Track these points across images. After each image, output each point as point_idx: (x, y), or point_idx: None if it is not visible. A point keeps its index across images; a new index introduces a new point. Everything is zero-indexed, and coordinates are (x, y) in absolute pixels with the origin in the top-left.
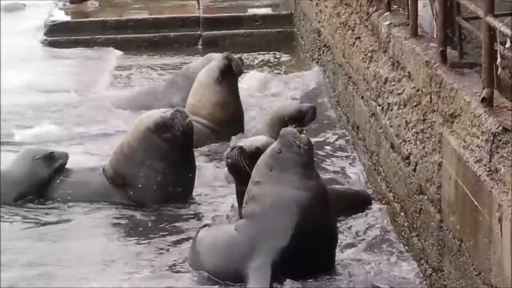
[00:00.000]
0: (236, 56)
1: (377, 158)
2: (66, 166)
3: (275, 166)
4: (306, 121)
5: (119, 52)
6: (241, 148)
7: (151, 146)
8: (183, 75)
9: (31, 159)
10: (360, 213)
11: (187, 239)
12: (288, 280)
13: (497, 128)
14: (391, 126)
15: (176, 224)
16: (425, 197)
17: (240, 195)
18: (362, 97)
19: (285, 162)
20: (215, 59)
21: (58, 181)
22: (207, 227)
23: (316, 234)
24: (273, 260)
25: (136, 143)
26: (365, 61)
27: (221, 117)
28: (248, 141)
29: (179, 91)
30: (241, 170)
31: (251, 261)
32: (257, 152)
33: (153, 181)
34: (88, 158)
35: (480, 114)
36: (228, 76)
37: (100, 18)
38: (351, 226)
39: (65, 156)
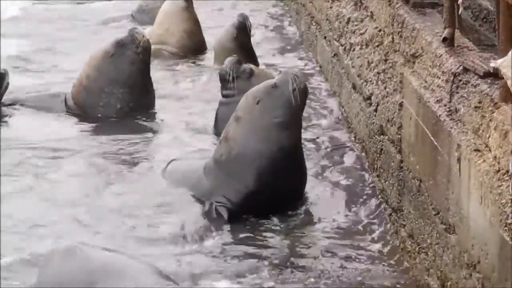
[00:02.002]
0: None
1: (339, 99)
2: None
3: (263, 100)
4: (249, 28)
5: None
6: (238, 61)
7: (111, 72)
8: (138, 11)
9: None
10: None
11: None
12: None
13: (458, 68)
14: (353, 66)
15: (141, 152)
16: (386, 137)
17: (219, 106)
18: (325, 37)
19: (274, 99)
20: None
21: (16, 106)
22: (177, 161)
23: (280, 190)
24: (233, 204)
25: (95, 72)
26: (328, 1)
27: (189, 44)
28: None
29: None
30: (225, 80)
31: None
32: (249, 72)
33: (113, 109)
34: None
35: (441, 54)
36: (192, 3)
37: None
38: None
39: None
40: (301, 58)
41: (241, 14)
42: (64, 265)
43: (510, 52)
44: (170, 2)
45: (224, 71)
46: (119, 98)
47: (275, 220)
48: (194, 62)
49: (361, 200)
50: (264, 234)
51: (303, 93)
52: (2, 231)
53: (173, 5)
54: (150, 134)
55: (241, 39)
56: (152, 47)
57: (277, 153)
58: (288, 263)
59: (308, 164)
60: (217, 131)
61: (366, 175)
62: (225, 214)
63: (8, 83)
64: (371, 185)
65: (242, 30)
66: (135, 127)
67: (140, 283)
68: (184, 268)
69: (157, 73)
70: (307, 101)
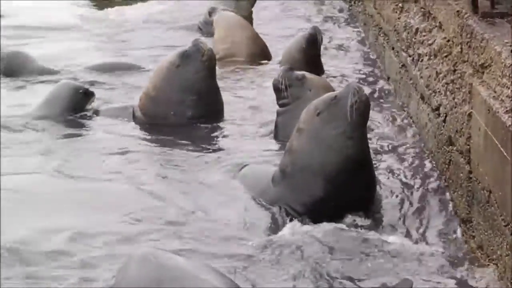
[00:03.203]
0: None
1: (407, 109)
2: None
3: (323, 112)
4: (318, 43)
5: None
6: (290, 68)
7: (178, 81)
8: (205, 22)
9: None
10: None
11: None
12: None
13: None
14: (421, 77)
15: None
16: (455, 148)
17: (277, 116)
18: (393, 48)
19: (335, 111)
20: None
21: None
22: (250, 166)
23: (347, 199)
24: (299, 215)
25: (162, 82)
26: (396, 12)
27: (256, 50)
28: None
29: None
30: (279, 89)
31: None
32: (302, 79)
33: (184, 117)
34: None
35: (511, 64)
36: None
37: None
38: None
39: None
40: (368, 69)
41: (313, 27)
42: (138, 273)
43: None
44: (223, 17)
45: (277, 80)
46: (189, 105)
47: (342, 226)
48: (261, 70)
49: (431, 211)
50: (327, 239)
51: (364, 106)
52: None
53: (229, 18)
54: (220, 140)
55: (310, 52)
56: (222, 61)
57: (341, 163)
58: (345, 268)
59: (378, 173)
60: (278, 140)
61: (435, 185)
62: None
63: (93, 100)
64: (440, 195)
65: (312, 43)
66: (205, 134)
67: None
68: (246, 272)
69: (226, 81)
70: (376, 110)
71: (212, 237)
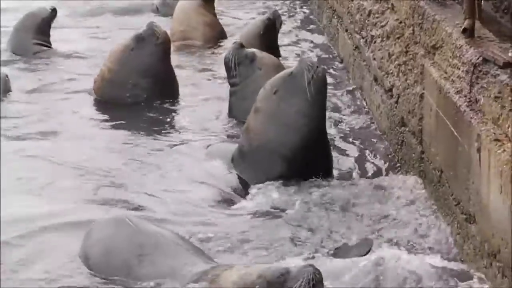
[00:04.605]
0: None
1: (360, 91)
2: None
3: (280, 90)
4: (277, 27)
5: None
6: (241, 44)
7: (132, 64)
8: (162, 4)
9: None
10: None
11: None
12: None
13: (478, 58)
14: (374, 58)
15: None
16: (407, 129)
17: (230, 96)
18: (346, 30)
19: (292, 88)
20: None
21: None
22: (214, 146)
23: (304, 177)
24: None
25: (117, 66)
26: None
27: (212, 35)
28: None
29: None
30: (229, 67)
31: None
32: (251, 57)
33: (141, 99)
34: None
35: (461, 45)
36: None
37: None
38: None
39: None
40: (322, 51)
41: (273, 11)
42: (113, 234)
43: None
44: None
45: (227, 58)
46: (144, 88)
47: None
48: (215, 52)
49: (384, 190)
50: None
51: (321, 81)
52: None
53: (189, 2)
54: (177, 121)
55: (267, 37)
56: (177, 43)
57: (298, 141)
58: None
59: (334, 153)
60: (232, 119)
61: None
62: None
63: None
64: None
65: (269, 29)
66: (161, 115)
67: (188, 263)
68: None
69: (182, 64)
70: (331, 93)
71: (178, 213)
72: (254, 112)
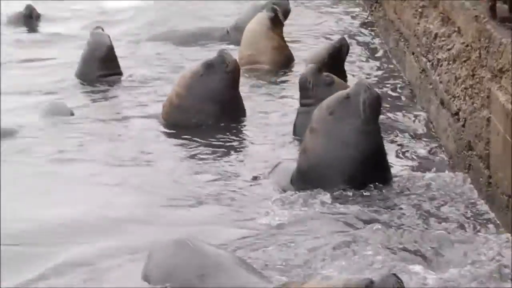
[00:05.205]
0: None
1: (427, 114)
2: None
3: (336, 111)
4: (343, 54)
5: None
6: (319, 69)
7: (200, 90)
8: (235, 27)
9: None
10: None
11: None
12: None
13: None
14: (440, 82)
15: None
16: (474, 153)
17: (298, 114)
18: (413, 53)
19: (347, 109)
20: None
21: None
22: (282, 164)
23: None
24: None
25: (185, 91)
26: (416, 17)
27: (280, 59)
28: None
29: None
30: (306, 87)
31: None
32: (330, 82)
33: (207, 124)
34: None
35: None
36: (277, 22)
37: None
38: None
39: None
40: (389, 74)
41: (340, 39)
42: (175, 257)
43: None
44: (254, 22)
45: (304, 78)
46: (210, 115)
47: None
48: (283, 76)
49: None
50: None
51: (376, 101)
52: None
53: (259, 25)
54: (240, 144)
55: (332, 63)
56: (246, 66)
57: (357, 158)
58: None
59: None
60: (297, 138)
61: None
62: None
63: None
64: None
65: (335, 56)
66: (228, 136)
67: (250, 282)
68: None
69: (249, 88)
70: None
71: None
72: (310, 132)
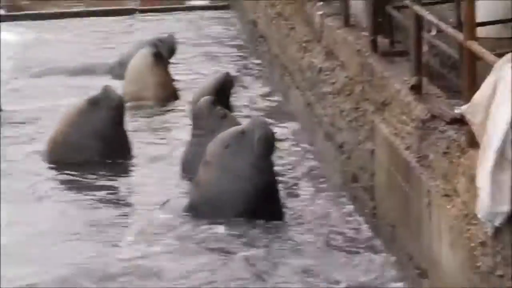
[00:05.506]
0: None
1: (313, 147)
2: None
3: (232, 145)
4: (227, 89)
5: None
6: (214, 101)
7: (86, 126)
8: (119, 63)
9: None
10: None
11: None
12: None
13: (426, 115)
14: (325, 115)
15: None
16: (359, 185)
17: (189, 146)
18: (298, 87)
19: (242, 144)
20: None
21: None
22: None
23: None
24: None
25: (69, 127)
26: (300, 51)
27: (164, 94)
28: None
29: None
30: (198, 117)
31: None
32: (223, 114)
33: (92, 161)
34: None
35: (410, 102)
36: (160, 58)
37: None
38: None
39: None
40: (275, 108)
41: (224, 74)
42: None
43: (473, 98)
44: (138, 59)
45: (199, 108)
46: (95, 151)
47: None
48: (169, 112)
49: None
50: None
51: (270, 140)
52: None
53: (141, 61)
54: (127, 180)
55: (218, 100)
56: (130, 103)
57: (250, 192)
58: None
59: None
60: (185, 173)
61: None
62: None
63: None
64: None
65: (220, 91)
66: (114, 174)
67: None
68: None
69: (134, 124)
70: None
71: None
72: (204, 165)
